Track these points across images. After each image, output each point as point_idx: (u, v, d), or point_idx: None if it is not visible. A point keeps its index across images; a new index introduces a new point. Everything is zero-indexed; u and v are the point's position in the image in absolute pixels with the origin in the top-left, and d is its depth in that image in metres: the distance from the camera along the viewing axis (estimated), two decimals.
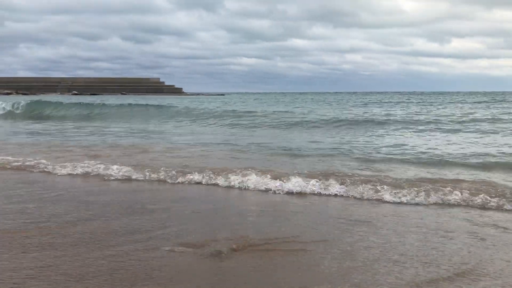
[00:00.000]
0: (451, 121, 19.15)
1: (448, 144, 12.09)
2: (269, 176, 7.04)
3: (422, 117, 21.38)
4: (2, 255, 3.92)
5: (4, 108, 29.58)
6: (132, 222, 4.96)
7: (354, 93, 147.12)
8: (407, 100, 48.50)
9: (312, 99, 64.07)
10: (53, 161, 8.89)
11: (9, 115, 28.11)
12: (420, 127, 16.93)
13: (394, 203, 5.85)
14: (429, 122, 18.68)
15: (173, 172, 7.57)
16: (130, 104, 32.40)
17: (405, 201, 5.87)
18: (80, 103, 33.09)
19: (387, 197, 6.00)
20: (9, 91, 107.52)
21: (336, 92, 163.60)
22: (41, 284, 3.36)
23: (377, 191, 6.21)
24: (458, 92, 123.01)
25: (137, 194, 6.43)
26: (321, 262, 3.80)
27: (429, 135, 14.55)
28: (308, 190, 6.42)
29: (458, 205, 5.72)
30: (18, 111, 28.80)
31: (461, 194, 5.94)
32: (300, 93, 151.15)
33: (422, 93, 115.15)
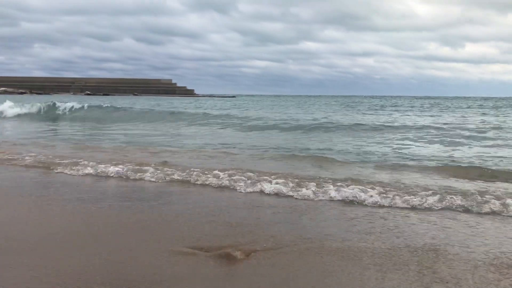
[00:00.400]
0: None
1: None
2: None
3: None
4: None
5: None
6: (141, 222, 4.85)
7: (365, 97, 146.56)
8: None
9: (326, 103, 63.73)
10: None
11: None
12: None
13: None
14: None
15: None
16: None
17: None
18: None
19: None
20: (23, 91, 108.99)
21: (353, 96, 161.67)
22: (43, 286, 3.25)
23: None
24: (474, 97, 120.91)
25: (148, 193, 6.33)
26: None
27: None
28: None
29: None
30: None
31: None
32: (314, 96, 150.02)
33: (438, 98, 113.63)
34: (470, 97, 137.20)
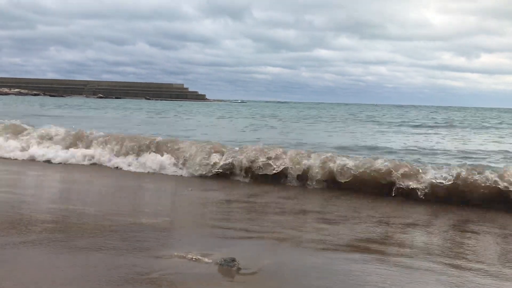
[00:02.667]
0: None
1: None
2: None
3: None
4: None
5: None
6: (145, 224, 4.86)
7: (376, 105, 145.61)
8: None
9: (334, 110, 62.99)
10: None
11: None
12: None
13: None
14: None
15: None
16: None
17: None
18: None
19: None
20: (37, 92, 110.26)
21: (372, 104, 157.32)
22: None
23: None
24: (498, 108, 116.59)
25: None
26: None
27: None
28: None
29: None
30: None
31: None
32: (326, 104, 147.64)
33: (449, 108, 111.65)
34: (493, 108, 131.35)
